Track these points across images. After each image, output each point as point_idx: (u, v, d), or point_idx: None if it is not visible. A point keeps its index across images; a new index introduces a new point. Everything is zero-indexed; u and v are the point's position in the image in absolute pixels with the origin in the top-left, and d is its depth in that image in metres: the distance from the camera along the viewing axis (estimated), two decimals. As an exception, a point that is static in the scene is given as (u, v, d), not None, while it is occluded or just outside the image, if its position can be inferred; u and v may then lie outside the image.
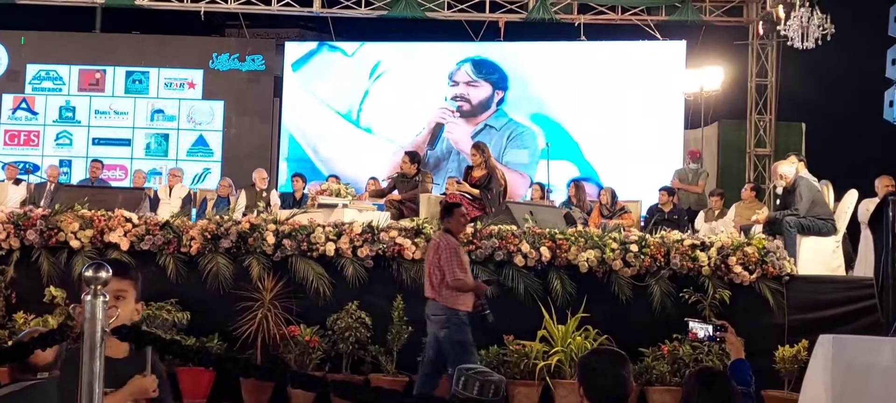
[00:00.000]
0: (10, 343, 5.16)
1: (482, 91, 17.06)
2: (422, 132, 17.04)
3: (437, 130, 16.97)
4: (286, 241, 9.17)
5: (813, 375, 7.42)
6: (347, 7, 16.60)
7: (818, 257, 10.04)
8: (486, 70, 17.07)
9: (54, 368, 4.02)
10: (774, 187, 10.47)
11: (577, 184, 13.62)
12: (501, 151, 16.47)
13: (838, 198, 10.83)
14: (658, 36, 16.38)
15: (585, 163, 16.43)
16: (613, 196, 13.12)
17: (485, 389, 4.68)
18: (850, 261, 10.73)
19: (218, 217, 9.64)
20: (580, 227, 10.24)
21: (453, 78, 17.11)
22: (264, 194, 13.10)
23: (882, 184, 10.73)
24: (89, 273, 2.77)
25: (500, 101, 17.00)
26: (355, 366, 8.92)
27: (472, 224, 9.72)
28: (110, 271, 2.77)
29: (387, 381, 8.64)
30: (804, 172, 11.13)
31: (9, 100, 17.18)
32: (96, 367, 2.63)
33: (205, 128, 17.17)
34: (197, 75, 17.19)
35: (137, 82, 17.21)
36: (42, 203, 11.71)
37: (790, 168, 10.33)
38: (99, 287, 2.70)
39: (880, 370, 6.86)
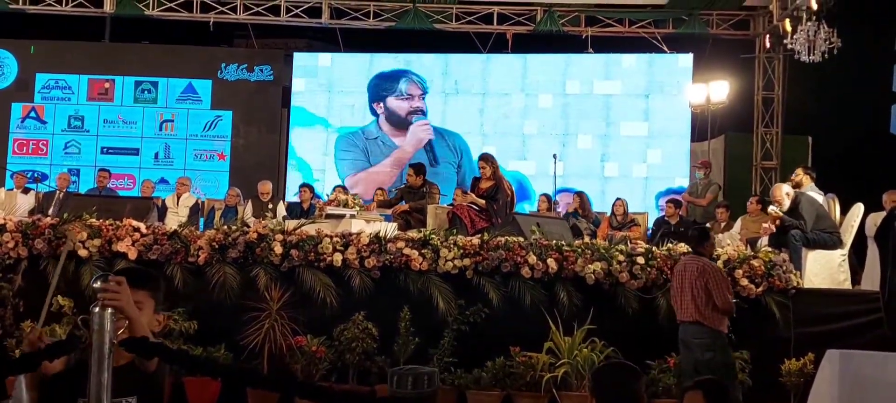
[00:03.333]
0: (18, 352, 5.18)
1: (423, 102, 17.19)
2: (402, 147, 17.09)
3: (430, 147, 17.00)
4: (293, 251, 9.20)
5: (820, 389, 7.42)
6: (356, 18, 16.67)
7: (824, 270, 10.03)
8: (419, 80, 17.17)
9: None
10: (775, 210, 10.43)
11: (581, 195, 13.65)
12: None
13: (844, 212, 10.82)
14: (665, 49, 16.41)
15: (592, 175, 16.42)
16: (626, 208, 13.14)
17: (419, 382, 4.79)
18: (856, 275, 10.71)
19: (226, 227, 9.66)
20: (586, 239, 10.25)
21: (408, 91, 17.16)
22: (270, 206, 13.14)
23: (889, 199, 10.71)
24: (97, 284, 2.79)
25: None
26: (362, 377, 8.92)
27: (479, 235, 9.75)
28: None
29: (393, 392, 8.64)
30: (810, 185, 11.10)
31: (18, 109, 17.24)
32: (104, 378, 2.65)
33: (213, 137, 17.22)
34: (205, 85, 17.23)
35: (146, 92, 17.26)
36: (50, 212, 11.75)
37: (787, 188, 10.31)
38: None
39: (887, 385, 6.86)
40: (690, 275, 8.00)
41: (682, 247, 9.55)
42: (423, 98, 17.14)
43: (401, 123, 17.20)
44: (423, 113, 17.10)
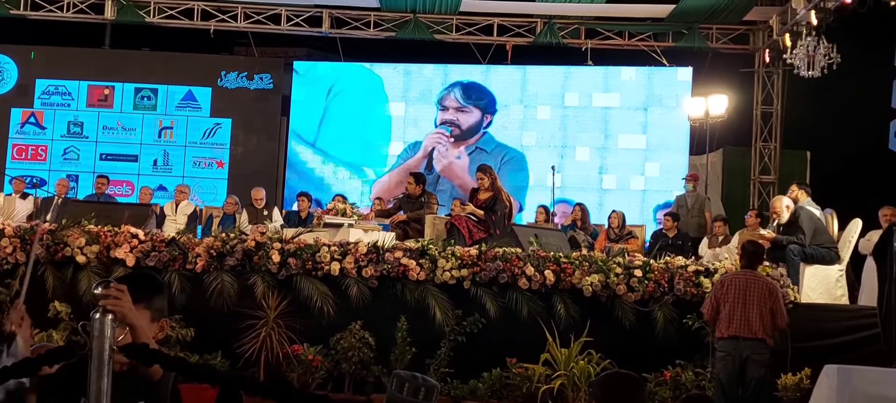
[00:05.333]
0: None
1: (471, 116, 17.09)
2: (415, 155, 17.05)
3: (429, 155, 16.98)
4: (291, 260, 9.21)
5: (816, 404, 7.43)
6: (356, 28, 16.68)
7: (822, 285, 10.04)
8: (476, 95, 17.09)
9: None
10: (776, 222, 10.47)
11: (581, 207, 13.64)
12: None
13: (842, 227, 10.83)
14: (664, 62, 16.42)
15: (590, 188, 16.42)
16: (623, 220, 13.13)
17: (430, 394, 4.78)
18: (853, 290, 10.72)
19: (224, 234, 9.67)
20: (584, 251, 10.26)
21: (442, 103, 17.13)
22: (265, 213, 13.13)
23: (885, 215, 10.73)
24: (98, 290, 2.79)
25: (488, 125, 17.04)
26: (358, 387, 8.93)
27: (477, 246, 9.76)
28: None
29: (389, 402, 8.63)
30: (806, 201, 11.12)
31: (17, 114, 17.23)
32: (103, 385, 2.65)
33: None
34: (205, 93, 17.23)
35: (145, 99, 17.26)
36: (49, 217, 11.75)
37: (787, 201, 10.34)
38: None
39: (884, 400, 6.86)
40: (758, 293, 7.94)
41: (681, 260, 9.58)
42: (463, 111, 17.07)
43: None
44: (455, 125, 17.03)
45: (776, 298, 8.00)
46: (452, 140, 16.98)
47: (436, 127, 17.05)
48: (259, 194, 13.61)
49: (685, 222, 13.77)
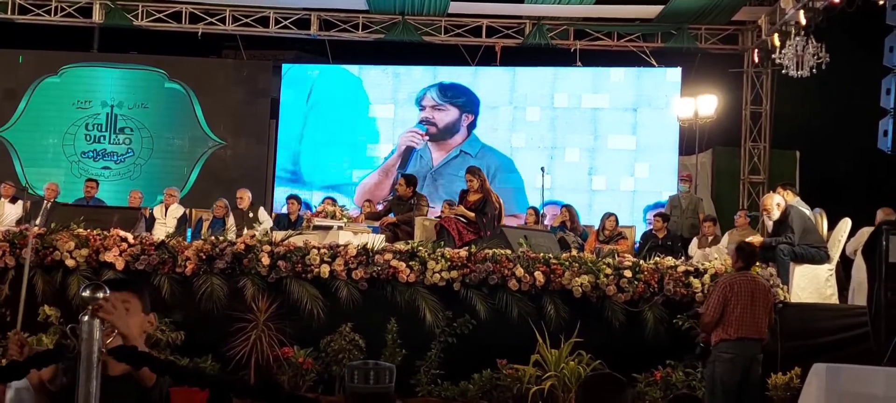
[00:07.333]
0: (3, 361, 5.16)
1: (448, 114, 17.05)
2: (391, 154, 17.04)
3: (407, 154, 16.96)
4: (281, 263, 9.19)
5: (806, 403, 7.45)
6: (345, 30, 16.67)
7: (811, 285, 10.06)
8: (452, 93, 17.06)
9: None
10: (766, 220, 10.50)
11: (568, 208, 13.65)
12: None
13: (832, 227, 10.86)
14: (653, 62, 16.45)
15: (579, 189, 16.44)
16: (617, 222, 13.11)
17: (380, 376, 4.83)
18: (843, 289, 10.75)
19: (213, 237, 9.65)
20: (574, 252, 10.27)
21: (420, 102, 17.12)
22: (251, 214, 13.08)
23: (879, 216, 10.78)
24: (87, 293, 2.79)
25: (471, 125, 17.01)
26: (349, 389, 8.91)
27: (467, 247, 9.75)
28: (108, 291, 2.79)
29: (380, 404, 8.62)
30: (794, 200, 11.15)
31: (6, 118, 17.15)
32: (92, 387, 2.65)
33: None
34: (193, 96, 17.17)
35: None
36: (38, 221, 11.70)
37: (778, 199, 10.37)
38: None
39: (873, 399, 6.89)
40: (763, 293, 7.94)
41: (670, 260, 9.59)
42: (440, 109, 17.04)
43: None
44: (431, 123, 17.01)
45: (769, 298, 8.08)
46: (428, 138, 16.98)
47: (416, 126, 17.07)
48: (243, 194, 13.50)
49: (679, 222, 13.80)
